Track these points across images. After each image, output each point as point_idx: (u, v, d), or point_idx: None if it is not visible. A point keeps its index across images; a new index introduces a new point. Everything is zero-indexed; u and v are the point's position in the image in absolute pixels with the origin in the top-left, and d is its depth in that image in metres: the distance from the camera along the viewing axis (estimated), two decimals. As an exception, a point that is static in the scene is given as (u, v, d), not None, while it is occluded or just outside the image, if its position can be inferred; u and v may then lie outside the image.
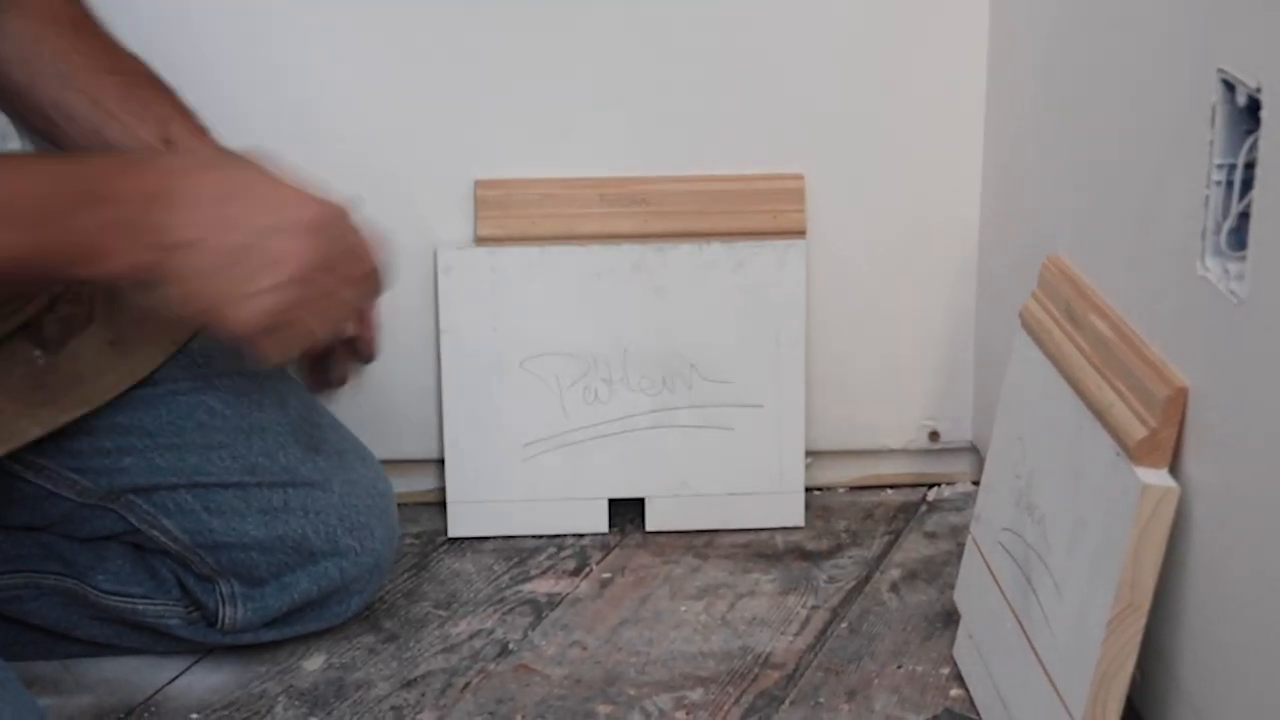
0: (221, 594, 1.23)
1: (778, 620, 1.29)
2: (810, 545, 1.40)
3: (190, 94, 1.19)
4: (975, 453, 1.46)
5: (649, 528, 1.40)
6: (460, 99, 1.36)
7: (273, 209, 1.04)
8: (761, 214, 1.37)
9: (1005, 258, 1.35)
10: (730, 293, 1.37)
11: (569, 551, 1.39)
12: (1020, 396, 1.18)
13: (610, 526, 1.40)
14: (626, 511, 1.41)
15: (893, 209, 1.40)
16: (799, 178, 1.37)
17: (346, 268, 1.07)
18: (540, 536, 1.40)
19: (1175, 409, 0.98)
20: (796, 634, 1.28)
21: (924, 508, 1.45)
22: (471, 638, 1.28)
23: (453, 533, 1.40)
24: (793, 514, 1.41)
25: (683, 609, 1.31)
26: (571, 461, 1.39)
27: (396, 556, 1.32)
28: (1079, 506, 1.06)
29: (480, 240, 1.37)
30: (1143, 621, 0.99)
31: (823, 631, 1.28)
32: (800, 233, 1.36)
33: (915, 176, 1.39)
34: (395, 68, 1.35)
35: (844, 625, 1.29)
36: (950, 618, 1.28)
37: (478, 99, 1.36)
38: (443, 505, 1.41)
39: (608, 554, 1.39)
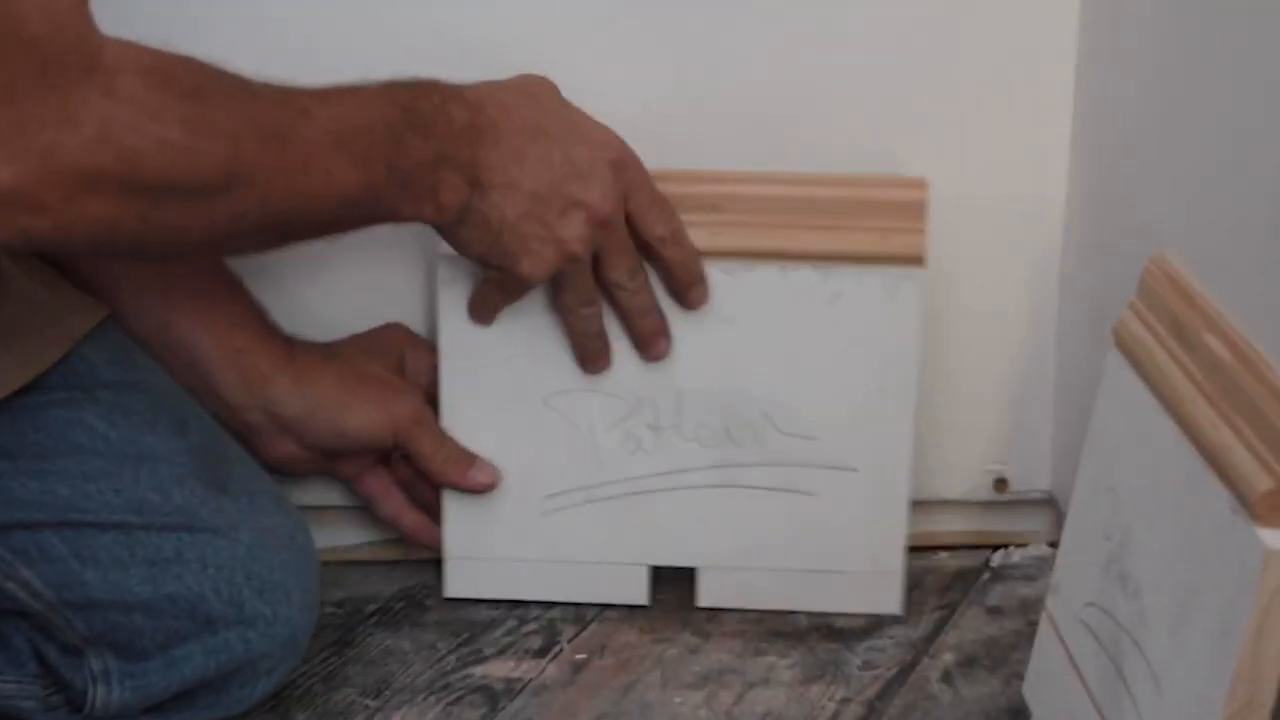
0: (92, 670, 1.22)
1: (797, 717, 1.28)
2: (840, 622, 1.38)
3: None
4: (1053, 506, 1.45)
5: (701, 603, 1.40)
6: (475, 65, 1.32)
7: (569, 145, 1.24)
8: (869, 232, 1.33)
9: (1096, 257, 1.34)
10: (821, 330, 1.34)
11: (533, 625, 1.38)
12: (1112, 436, 1.17)
13: (652, 599, 1.40)
14: (672, 583, 1.41)
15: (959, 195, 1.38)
16: (920, 184, 1.34)
17: (643, 204, 1.27)
18: (526, 603, 1.40)
19: None
20: (823, 734, 1.27)
21: (987, 575, 1.45)
22: (408, 735, 1.28)
23: (449, 593, 1.41)
24: (887, 599, 1.39)
25: (678, 700, 1.30)
26: (605, 520, 1.39)
27: (315, 629, 1.30)
28: (1186, 576, 1.04)
29: None
30: (1265, 725, 0.98)
31: (856, 732, 1.27)
32: (918, 259, 1.32)
33: (985, 154, 1.38)
34: (401, 40, 1.34)
35: (883, 724, 1.28)
36: (1017, 716, 1.26)
37: (499, 69, 1.32)
38: (371, 564, 1.42)
39: (582, 629, 1.38)
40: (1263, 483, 0.98)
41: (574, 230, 1.24)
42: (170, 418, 1.24)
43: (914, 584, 1.43)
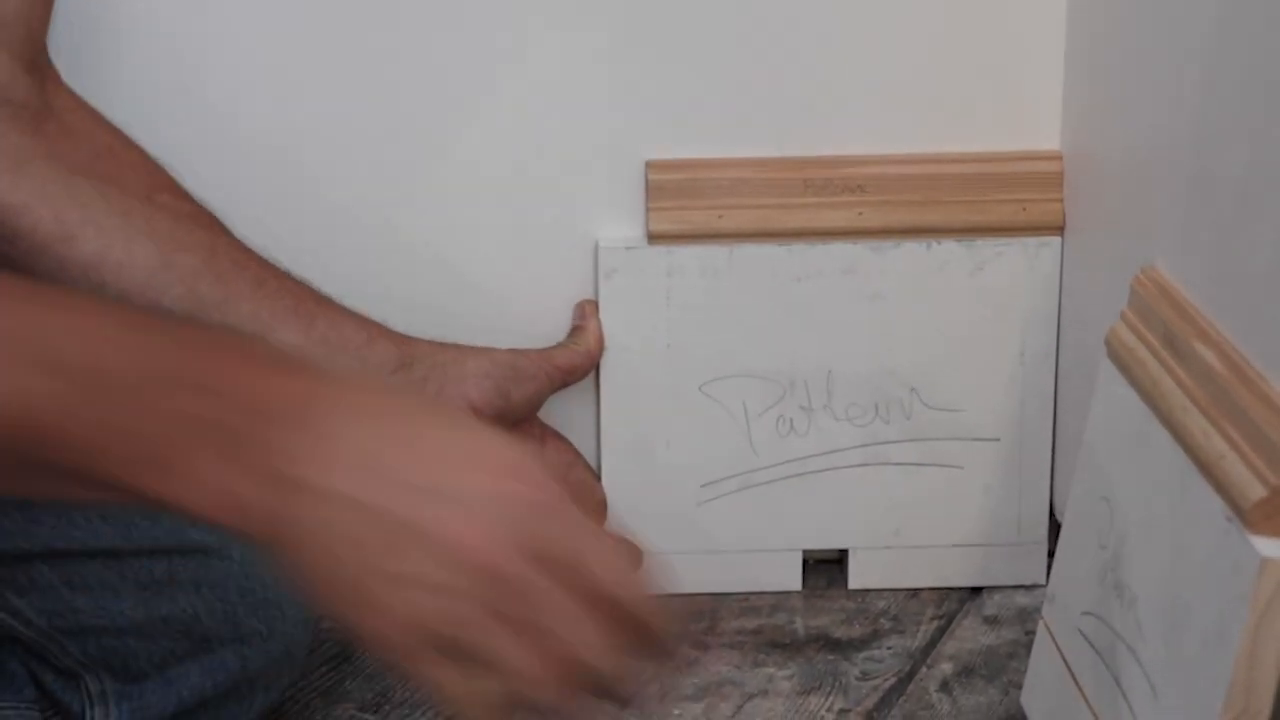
0: (89, 692, 1.21)
1: (796, 727, 1.29)
2: (839, 632, 1.38)
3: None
4: (1049, 516, 1.45)
5: (852, 585, 1.42)
6: (627, 56, 1.34)
7: (450, 462, 0.83)
8: (1008, 204, 1.37)
9: (1089, 268, 1.35)
10: (965, 302, 1.38)
11: (532, 638, 1.38)
12: (1106, 445, 1.17)
13: (804, 583, 1.42)
14: (820, 567, 1.44)
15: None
16: (1055, 156, 1.37)
17: (569, 568, 0.82)
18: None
19: None
20: (821, 745, 1.28)
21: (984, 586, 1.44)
22: (407, 748, 1.27)
23: None
24: (1033, 570, 1.43)
25: (676, 713, 1.30)
26: (760, 506, 1.41)
27: (313, 644, 1.30)
28: (1180, 585, 1.04)
29: (653, 237, 1.38)
30: (1261, 736, 0.98)
31: (854, 742, 1.27)
32: (1057, 228, 1.38)
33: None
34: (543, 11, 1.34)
35: (881, 734, 1.28)
36: (1016, 726, 1.26)
37: (649, 57, 1.34)
38: None
39: (581, 642, 1.37)
40: (1256, 491, 0.98)
41: (438, 568, 0.81)
42: None
43: (910, 594, 1.43)
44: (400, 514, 0.81)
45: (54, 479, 0.83)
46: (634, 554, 0.88)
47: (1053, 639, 1.20)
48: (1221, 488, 1.01)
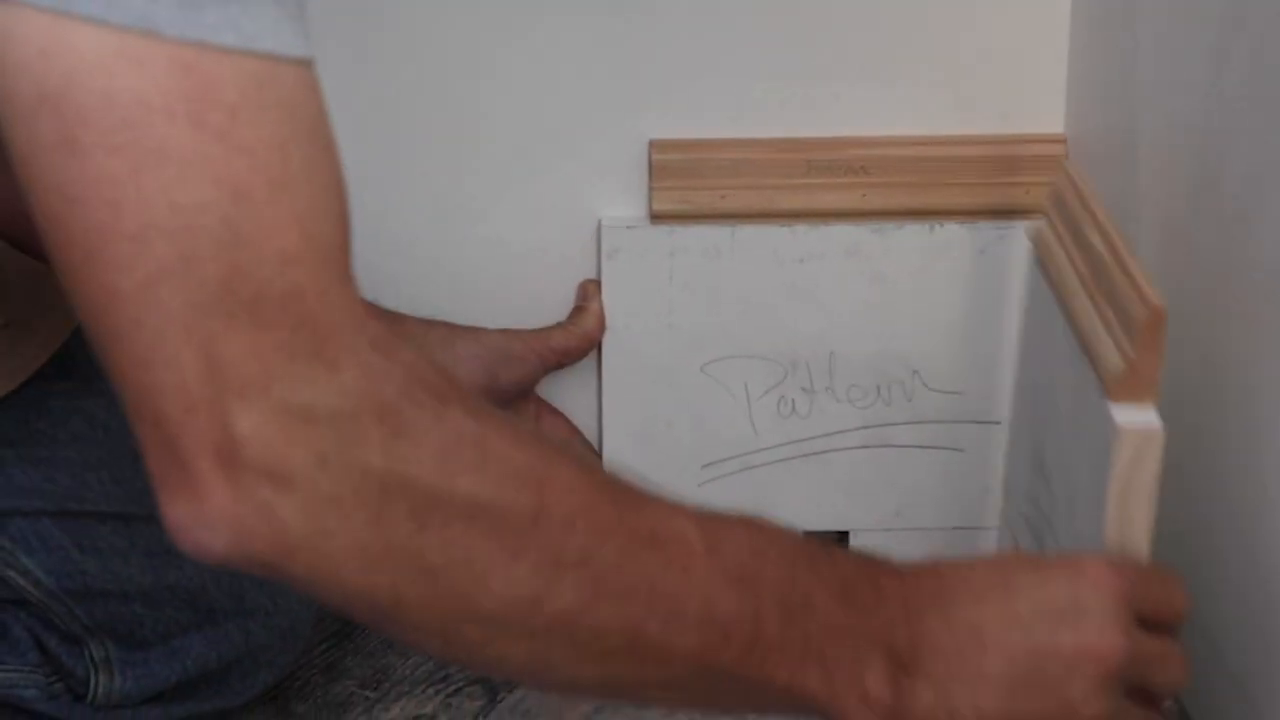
0: (93, 658, 1.21)
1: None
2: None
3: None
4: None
5: None
6: (631, 35, 1.35)
7: (1045, 612, 0.92)
8: (1012, 187, 1.38)
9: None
10: (968, 284, 1.38)
11: (532, 616, 1.38)
12: (1030, 338, 1.23)
13: None
14: None
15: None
16: (1059, 140, 1.38)
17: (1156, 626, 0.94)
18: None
19: (1152, 334, 0.99)
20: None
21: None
22: (407, 727, 1.28)
23: None
24: None
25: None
26: (760, 487, 1.41)
27: (315, 620, 1.30)
28: (1073, 459, 1.09)
29: (655, 217, 1.38)
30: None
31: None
32: None
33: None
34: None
35: None
36: None
37: (654, 36, 1.35)
38: None
39: (582, 621, 1.37)
40: (1116, 364, 1.02)
41: None
42: None
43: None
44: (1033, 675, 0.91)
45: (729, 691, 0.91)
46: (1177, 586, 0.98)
47: (1010, 532, 1.24)
48: (1095, 363, 1.05)
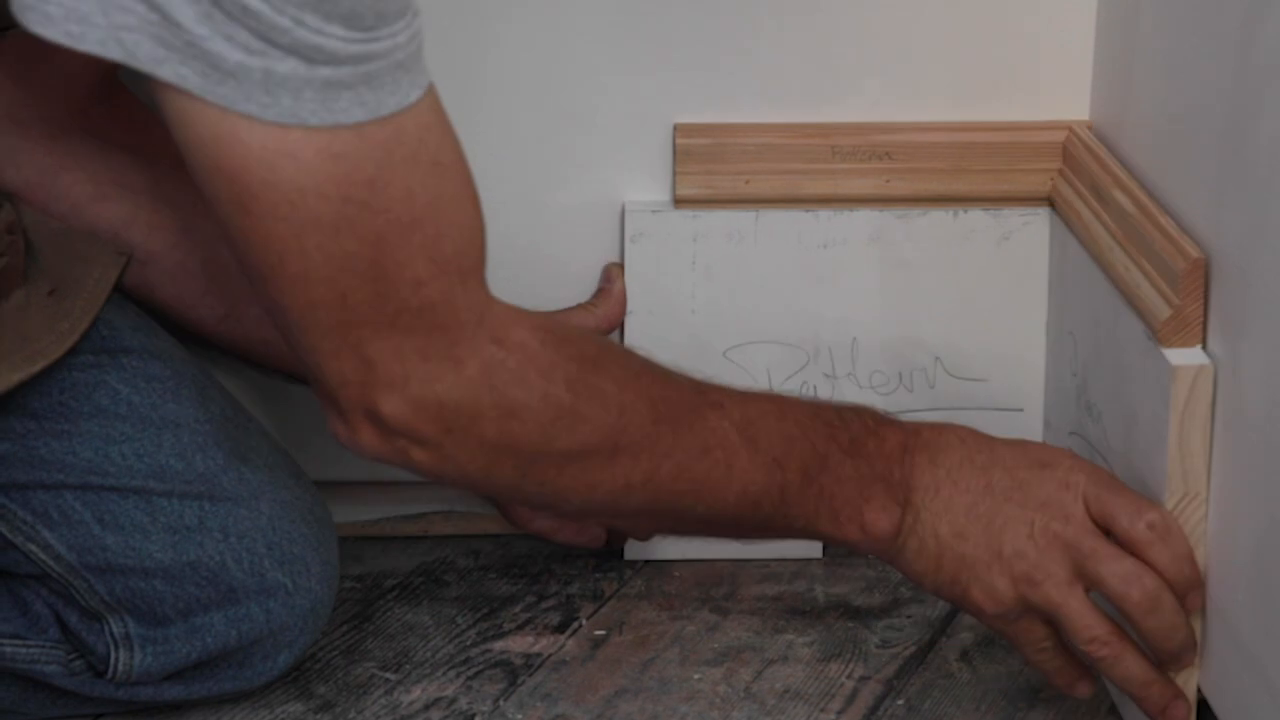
0: (113, 634, 1.21)
1: (816, 694, 1.28)
2: (859, 600, 1.38)
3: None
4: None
5: None
6: (657, 19, 1.35)
7: (1019, 466, 1.16)
8: (1037, 173, 1.37)
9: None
10: (991, 271, 1.39)
11: (552, 601, 1.38)
12: (1060, 286, 1.32)
13: (825, 551, 1.42)
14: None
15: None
16: (1085, 125, 1.37)
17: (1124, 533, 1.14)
18: (546, 579, 1.40)
19: (1194, 282, 1.13)
20: (840, 711, 1.27)
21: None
22: (427, 708, 1.26)
23: (630, 555, 1.42)
24: None
25: (696, 677, 1.30)
26: None
27: (335, 602, 1.30)
28: (1125, 398, 1.22)
29: (679, 201, 1.38)
30: (1204, 509, 1.14)
31: (873, 709, 1.27)
32: None
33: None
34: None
35: (900, 702, 1.28)
36: (1036, 695, 1.27)
37: (679, 21, 1.35)
38: (390, 539, 1.43)
39: (601, 605, 1.38)
40: (1164, 312, 1.15)
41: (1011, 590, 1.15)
42: (192, 387, 1.23)
43: (932, 563, 1.43)
44: (994, 508, 1.14)
45: (735, 527, 1.18)
46: (1171, 527, 1.15)
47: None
48: (1140, 312, 1.18)
